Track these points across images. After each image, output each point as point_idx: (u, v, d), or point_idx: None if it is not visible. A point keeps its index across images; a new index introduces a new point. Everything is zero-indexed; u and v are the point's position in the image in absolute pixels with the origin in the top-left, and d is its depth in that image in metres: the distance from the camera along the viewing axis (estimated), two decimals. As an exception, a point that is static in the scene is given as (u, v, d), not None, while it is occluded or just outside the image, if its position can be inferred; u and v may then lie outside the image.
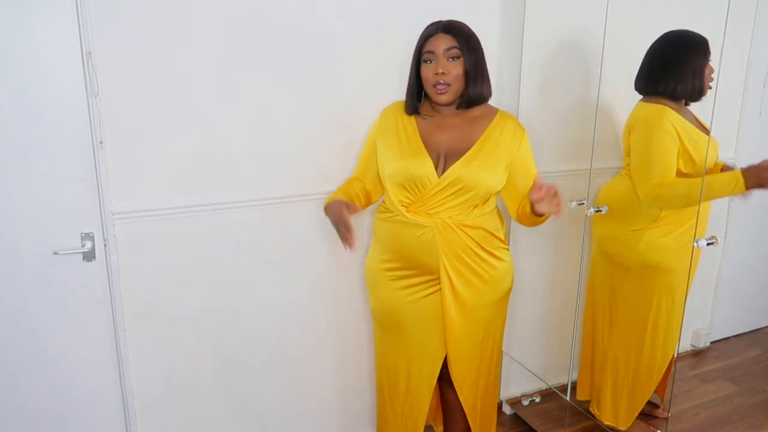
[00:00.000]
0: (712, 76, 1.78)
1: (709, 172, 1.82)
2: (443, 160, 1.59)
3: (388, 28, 1.82)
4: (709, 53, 1.75)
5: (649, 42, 1.84)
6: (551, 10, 2.04)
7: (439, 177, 1.56)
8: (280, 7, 1.70)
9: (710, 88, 1.79)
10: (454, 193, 1.56)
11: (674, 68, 1.79)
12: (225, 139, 1.72)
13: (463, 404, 1.76)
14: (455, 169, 1.55)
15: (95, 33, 1.50)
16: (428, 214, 1.59)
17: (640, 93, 1.88)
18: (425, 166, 1.56)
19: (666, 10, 1.89)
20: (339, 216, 1.53)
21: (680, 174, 1.80)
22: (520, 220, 1.67)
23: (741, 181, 1.64)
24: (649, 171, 1.80)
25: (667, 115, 1.78)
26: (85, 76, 1.51)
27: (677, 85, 1.78)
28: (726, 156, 1.92)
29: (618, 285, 2.01)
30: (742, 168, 1.67)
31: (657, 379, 2.00)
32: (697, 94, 1.80)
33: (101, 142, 1.57)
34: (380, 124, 1.69)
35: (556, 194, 1.44)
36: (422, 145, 1.59)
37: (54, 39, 1.46)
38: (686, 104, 1.84)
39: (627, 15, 1.88)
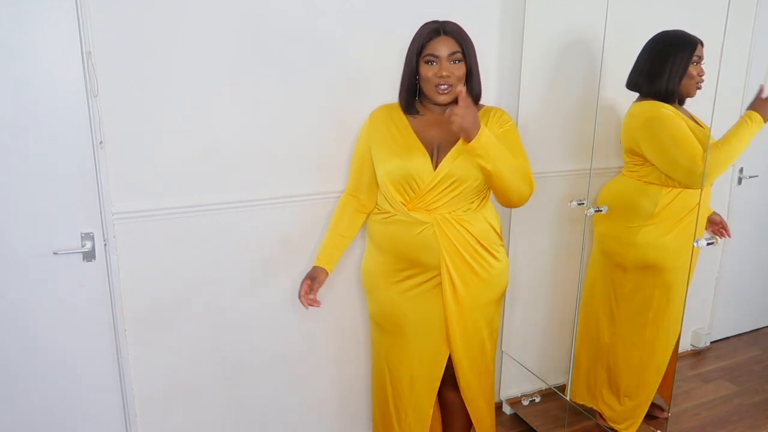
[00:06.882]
0: (703, 77, 1.78)
1: None
2: (437, 154, 1.60)
3: (390, 29, 1.82)
4: (697, 54, 1.75)
5: (649, 42, 1.84)
6: (551, 10, 2.04)
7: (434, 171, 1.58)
8: (281, 7, 1.70)
9: (699, 89, 1.79)
10: (448, 186, 1.57)
11: (658, 68, 1.79)
12: (225, 139, 1.72)
13: (466, 404, 1.77)
14: (446, 164, 1.57)
15: (95, 33, 1.50)
16: (428, 210, 1.60)
17: (631, 90, 1.89)
18: (422, 161, 1.58)
19: (666, 9, 1.89)
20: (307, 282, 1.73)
21: None
22: (497, 197, 1.61)
23: (757, 116, 1.70)
24: (679, 157, 1.77)
25: (661, 106, 1.80)
26: (85, 76, 1.51)
27: (660, 84, 1.79)
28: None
29: (619, 284, 2.02)
30: (750, 107, 1.73)
31: (658, 378, 2.00)
32: (682, 94, 1.80)
33: (101, 142, 1.57)
34: (370, 129, 1.70)
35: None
36: (417, 140, 1.61)
37: (54, 39, 1.46)
38: (680, 104, 1.85)
39: (627, 15, 1.88)
